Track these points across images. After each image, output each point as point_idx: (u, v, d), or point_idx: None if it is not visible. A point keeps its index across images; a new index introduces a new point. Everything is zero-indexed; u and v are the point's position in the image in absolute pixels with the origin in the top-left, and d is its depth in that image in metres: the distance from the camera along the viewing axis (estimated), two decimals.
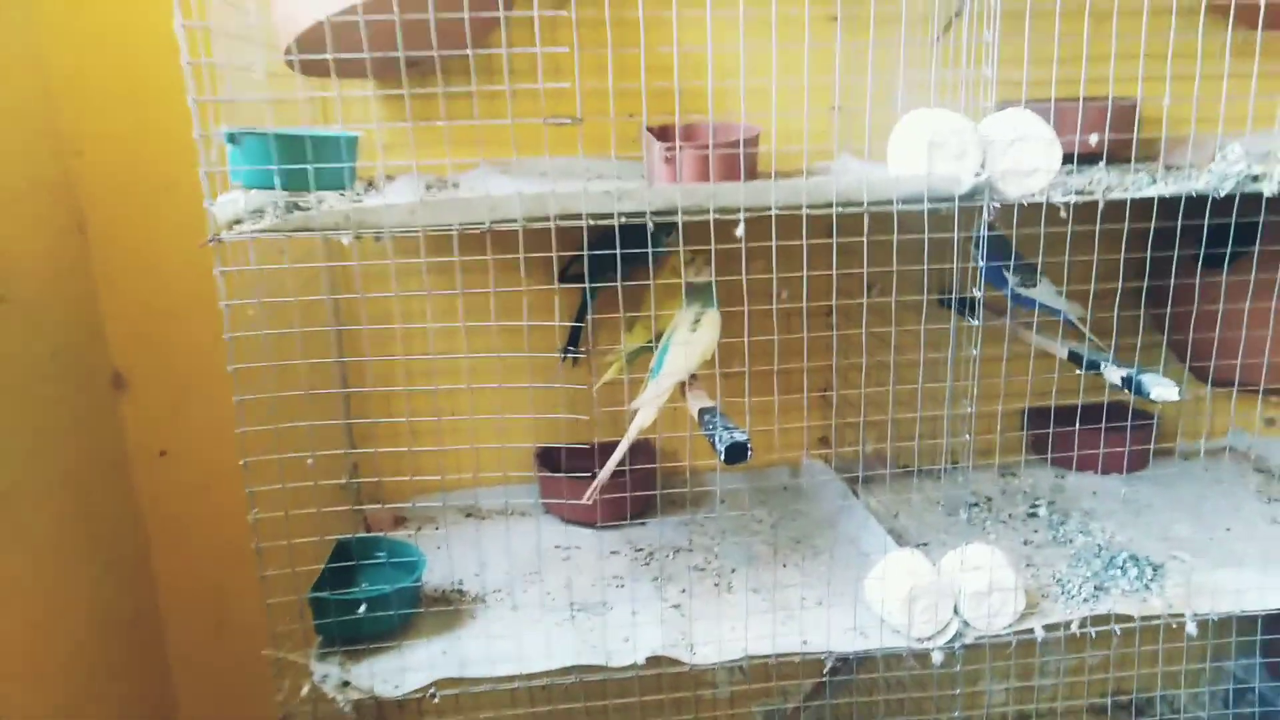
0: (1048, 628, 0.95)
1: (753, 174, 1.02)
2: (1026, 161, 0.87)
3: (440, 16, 0.83)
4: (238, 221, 0.83)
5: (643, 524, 1.20)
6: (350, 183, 0.88)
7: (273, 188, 0.83)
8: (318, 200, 0.87)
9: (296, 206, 0.84)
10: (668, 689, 0.98)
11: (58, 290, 1.11)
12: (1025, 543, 1.10)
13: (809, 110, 0.97)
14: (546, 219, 0.85)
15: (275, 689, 0.92)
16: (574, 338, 1.21)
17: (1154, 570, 1.02)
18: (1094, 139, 0.99)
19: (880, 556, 0.96)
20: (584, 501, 1.03)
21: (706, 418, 0.93)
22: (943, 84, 1.00)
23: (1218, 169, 0.92)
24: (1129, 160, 1.13)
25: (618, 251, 0.91)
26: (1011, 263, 1.13)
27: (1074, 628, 0.95)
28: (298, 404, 0.92)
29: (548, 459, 1.25)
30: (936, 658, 0.94)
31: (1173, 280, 1.03)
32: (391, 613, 0.94)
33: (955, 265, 1.07)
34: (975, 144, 0.86)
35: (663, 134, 1.07)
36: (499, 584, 1.05)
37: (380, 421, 1.04)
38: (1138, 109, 1.10)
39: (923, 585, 0.93)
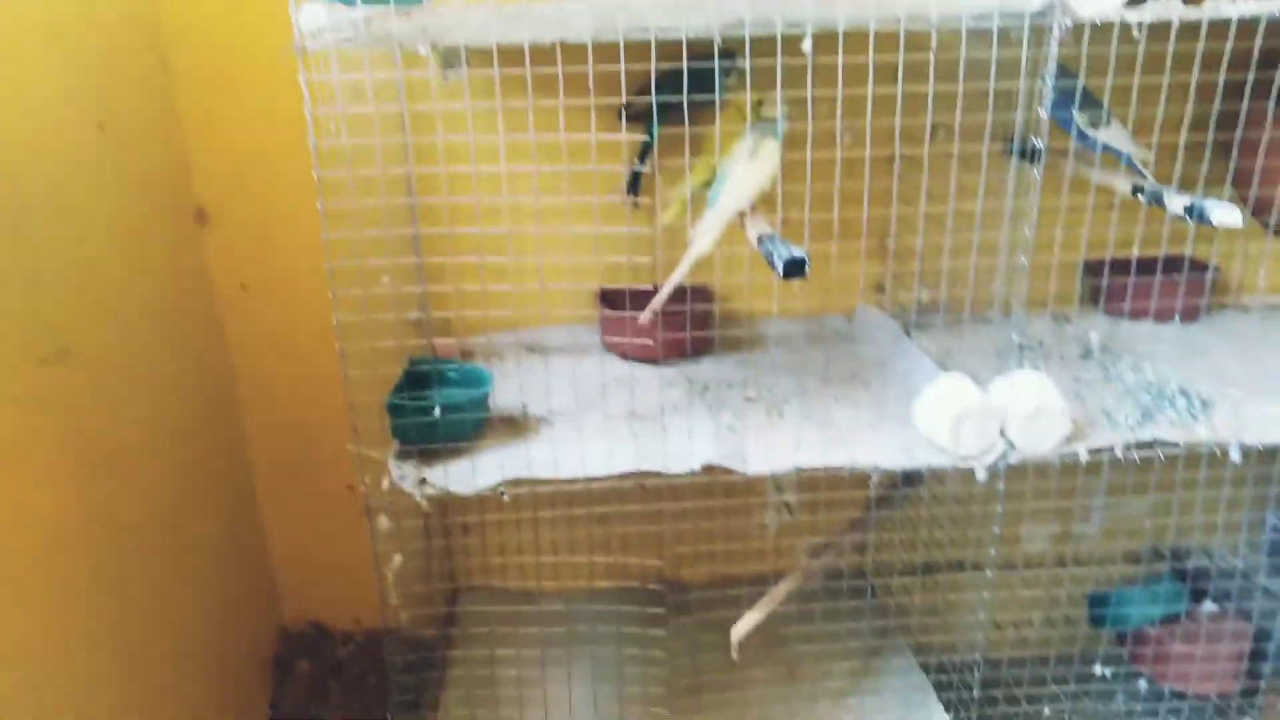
0: (1092, 452, 0.98)
1: None
2: None
3: None
4: (321, 32, 0.86)
5: (700, 362, 1.25)
6: None
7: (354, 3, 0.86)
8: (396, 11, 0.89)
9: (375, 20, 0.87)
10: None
11: (146, 124, 1.17)
12: (1076, 380, 1.12)
13: None
14: (615, 33, 0.87)
15: (358, 483, 1.00)
16: (636, 181, 1.23)
17: (1203, 404, 1.04)
18: None
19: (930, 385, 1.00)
20: (641, 321, 1.07)
21: (765, 241, 0.95)
22: None
23: None
24: None
25: (684, 81, 0.93)
26: (1078, 101, 1.11)
27: (1118, 451, 0.98)
28: (377, 242, 0.97)
29: (610, 300, 1.29)
30: (981, 475, 0.98)
31: (1243, 114, 1.02)
32: (465, 416, 1.00)
33: (1019, 109, 1.07)
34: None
35: None
36: (563, 409, 1.11)
37: (451, 260, 1.08)
38: None
39: (970, 407, 0.96)
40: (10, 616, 0.83)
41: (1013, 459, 0.98)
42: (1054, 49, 0.91)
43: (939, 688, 1.25)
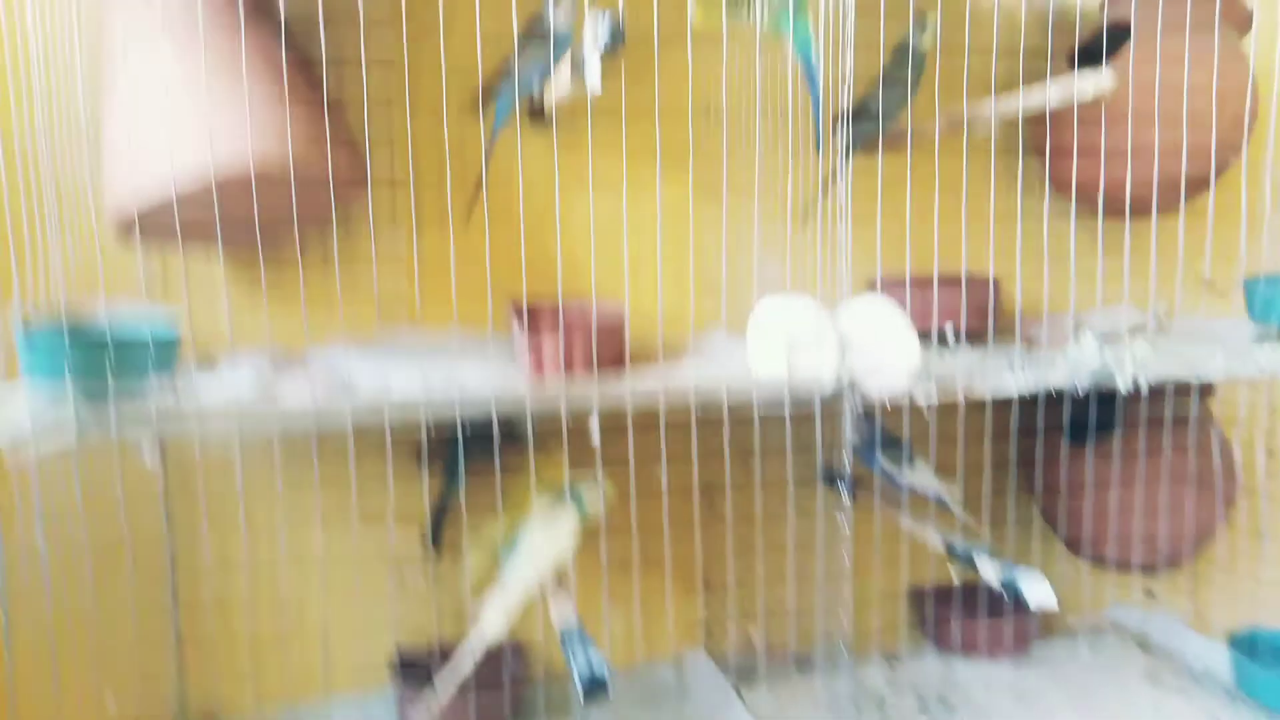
0: None
1: (618, 357, 0.98)
2: (887, 359, 0.86)
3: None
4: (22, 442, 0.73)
5: None
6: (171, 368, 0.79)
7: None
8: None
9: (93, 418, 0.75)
10: None
11: None
12: None
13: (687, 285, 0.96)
14: (382, 426, 0.79)
15: None
16: (437, 526, 1.12)
17: None
18: (949, 330, 1.00)
19: None
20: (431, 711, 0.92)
21: (566, 642, 0.85)
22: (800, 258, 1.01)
23: (1073, 356, 0.93)
24: (986, 335, 1.14)
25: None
26: (878, 442, 1.11)
27: None
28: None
29: (412, 667, 1.13)
30: None
31: (1039, 457, 1.03)
32: None
33: (820, 450, 1.05)
34: (834, 341, 0.85)
35: (532, 315, 1.04)
36: None
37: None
38: (990, 289, 1.13)
39: None
40: None
41: None
42: (848, 420, 0.89)
43: None
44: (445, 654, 1.08)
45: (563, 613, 0.90)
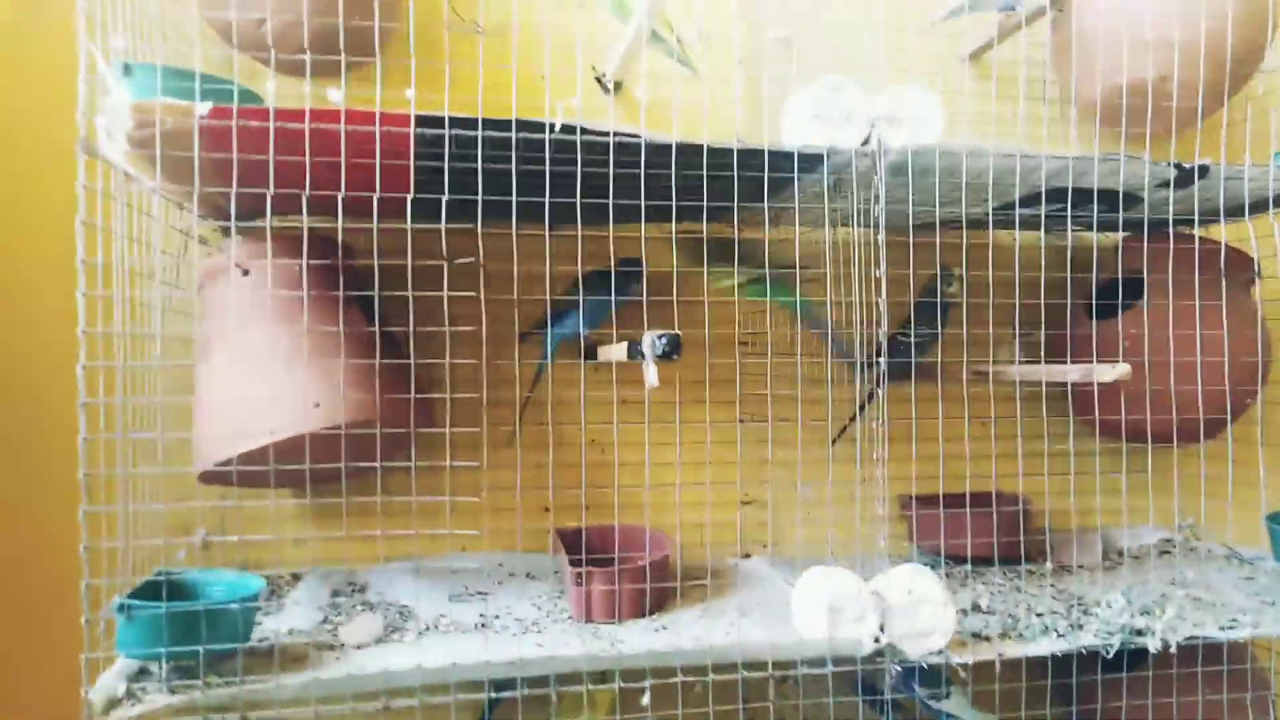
0: None
1: (662, 595, 1.03)
2: (923, 623, 0.90)
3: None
4: (115, 704, 0.79)
5: None
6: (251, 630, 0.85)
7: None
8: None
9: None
10: None
11: None
12: None
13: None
14: (447, 689, 0.84)
15: None
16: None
17: None
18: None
19: None
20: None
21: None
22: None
23: (1104, 616, 0.97)
24: (1018, 559, 1.19)
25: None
26: (917, 678, 1.14)
27: None
28: None
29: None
30: None
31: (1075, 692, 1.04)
32: None
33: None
34: (874, 607, 0.89)
35: (573, 539, 1.11)
36: None
37: None
38: (1020, 508, 1.19)
39: None
40: None
41: None
42: (889, 677, 0.93)
43: None
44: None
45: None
